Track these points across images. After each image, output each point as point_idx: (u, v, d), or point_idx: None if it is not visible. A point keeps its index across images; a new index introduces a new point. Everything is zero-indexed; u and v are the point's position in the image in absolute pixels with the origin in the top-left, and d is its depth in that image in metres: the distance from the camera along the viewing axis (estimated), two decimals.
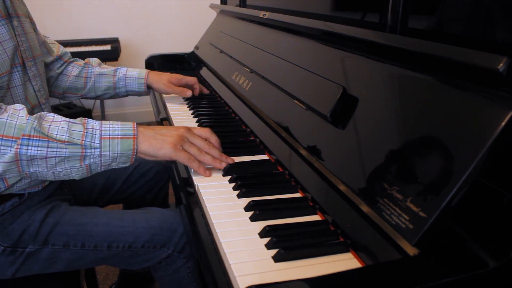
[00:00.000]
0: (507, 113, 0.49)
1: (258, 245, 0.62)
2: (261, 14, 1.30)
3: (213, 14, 1.96)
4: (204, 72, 1.65)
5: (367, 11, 0.91)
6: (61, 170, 0.77)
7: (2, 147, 0.71)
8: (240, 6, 1.76)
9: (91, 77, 1.25)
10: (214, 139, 0.89)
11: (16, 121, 0.73)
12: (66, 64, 1.24)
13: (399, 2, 0.77)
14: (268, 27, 1.28)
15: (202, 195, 0.76)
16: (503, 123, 0.49)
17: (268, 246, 0.61)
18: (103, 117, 3.11)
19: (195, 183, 0.81)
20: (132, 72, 1.29)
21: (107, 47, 2.93)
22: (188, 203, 0.79)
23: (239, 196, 0.76)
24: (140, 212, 1.00)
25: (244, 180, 0.79)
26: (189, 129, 0.87)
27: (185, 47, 2.07)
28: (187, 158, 0.82)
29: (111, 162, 0.80)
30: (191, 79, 1.36)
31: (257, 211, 0.69)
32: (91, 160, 0.77)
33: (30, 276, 0.95)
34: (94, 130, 0.78)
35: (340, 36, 0.88)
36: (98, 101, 3.16)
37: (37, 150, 0.73)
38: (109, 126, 0.79)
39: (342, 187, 0.67)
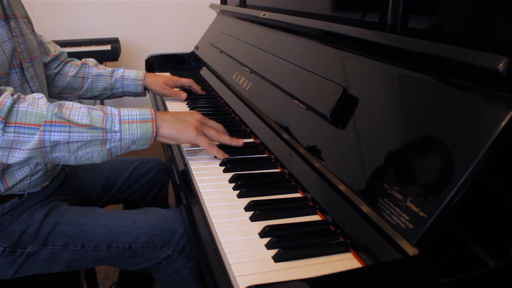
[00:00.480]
0: (507, 113, 0.49)
1: (258, 245, 0.62)
2: (261, 14, 1.30)
3: (213, 14, 1.96)
4: (204, 72, 1.65)
5: (367, 11, 0.91)
6: (83, 154, 0.79)
7: (25, 135, 0.73)
8: (240, 6, 1.76)
9: (88, 78, 1.26)
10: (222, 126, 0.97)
11: (37, 110, 0.75)
12: (63, 64, 1.24)
13: (399, 2, 0.77)
14: (268, 27, 1.28)
15: (202, 195, 0.76)
16: (503, 123, 0.49)
17: (268, 246, 0.61)
18: None
19: (196, 183, 0.81)
20: (129, 73, 1.29)
21: (107, 47, 2.93)
22: (188, 203, 0.79)
23: (239, 196, 0.76)
24: (140, 212, 1.00)
25: (244, 180, 0.79)
26: (200, 114, 0.92)
27: (185, 47, 2.07)
28: (207, 143, 0.88)
29: (131, 145, 0.82)
30: (187, 81, 1.37)
31: (257, 211, 0.69)
32: (112, 144, 0.80)
33: (30, 276, 0.95)
34: (113, 115, 0.81)
35: (340, 36, 0.88)
36: (98, 101, 3.16)
37: (60, 135, 0.75)
38: (127, 112, 0.82)
39: (342, 187, 0.67)
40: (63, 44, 2.92)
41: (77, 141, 0.77)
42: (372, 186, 0.61)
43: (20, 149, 0.74)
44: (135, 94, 1.32)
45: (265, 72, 1.10)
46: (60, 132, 0.75)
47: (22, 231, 0.91)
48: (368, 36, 0.78)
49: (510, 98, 0.50)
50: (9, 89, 0.77)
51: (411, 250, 0.51)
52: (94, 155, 0.80)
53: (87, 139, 0.77)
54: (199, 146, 0.91)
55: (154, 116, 0.83)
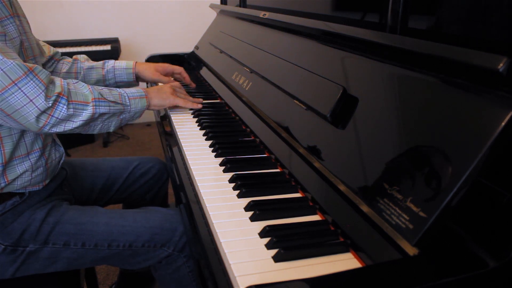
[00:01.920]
0: (507, 113, 0.49)
1: (258, 245, 0.62)
2: (261, 14, 1.30)
3: (213, 14, 1.96)
4: (204, 72, 1.65)
5: (367, 11, 0.91)
6: (107, 122, 0.99)
7: (78, 110, 0.91)
8: (240, 6, 1.76)
9: (80, 72, 1.27)
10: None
11: (81, 90, 0.94)
12: (56, 62, 1.26)
13: (399, 2, 0.77)
14: (268, 27, 1.28)
15: (202, 195, 0.76)
16: (503, 123, 0.49)
17: (268, 246, 0.61)
18: None
19: (196, 183, 0.81)
20: (120, 63, 1.32)
21: (107, 47, 2.93)
22: (188, 203, 0.79)
23: (239, 196, 0.76)
24: (141, 211, 1.01)
25: (244, 180, 0.79)
26: (170, 84, 1.20)
27: (185, 47, 2.07)
28: (183, 101, 1.18)
29: (134, 115, 1.04)
30: (177, 68, 1.40)
31: (257, 211, 0.69)
32: (125, 115, 1.02)
33: (30, 275, 0.96)
34: (123, 93, 1.03)
35: (340, 36, 0.88)
36: None
37: (104, 109, 0.96)
38: (129, 91, 1.05)
39: (342, 187, 0.67)
40: (63, 44, 2.93)
41: (110, 113, 0.98)
42: (372, 186, 0.61)
43: (74, 121, 0.91)
44: (128, 84, 1.34)
45: (265, 72, 1.10)
46: (104, 106, 0.95)
47: (23, 230, 0.91)
48: (368, 36, 0.78)
49: (510, 98, 0.50)
50: (59, 78, 0.93)
51: (411, 250, 0.51)
52: (112, 124, 1.00)
53: (116, 111, 0.99)
54: (179, 108, 1.22)
55: (146, 93, 1.07)
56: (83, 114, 0.92)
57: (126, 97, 1.02)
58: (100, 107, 0.95)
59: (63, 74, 1.25)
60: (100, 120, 0.97)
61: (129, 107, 1.02)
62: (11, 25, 0.88)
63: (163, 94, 1.13)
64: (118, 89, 1.03)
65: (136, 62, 1.34)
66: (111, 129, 1.02)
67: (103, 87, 1.00)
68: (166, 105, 1.15)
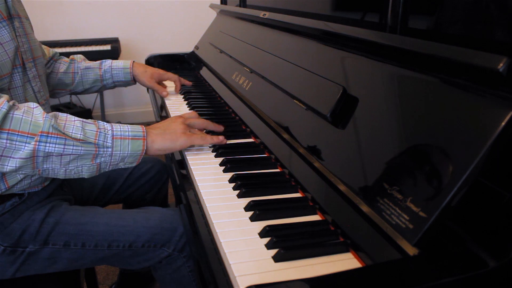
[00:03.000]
0: (507, 113, 0.49)
1: (258, 245, 0.62)
2: (261, 14, 1.30)
3: (213, 14, 1.96)
4: (204, 72, 1.65)
5: (367, 11, 0.91)
6: (73, 167, 0.79)
7: (17, 143, 0.73)
8: (240, 6, 1.76)
9: (78, 72, 1.28)
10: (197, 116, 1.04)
11: (31, 118, 0.75)
12: (54, 62, 1.27)
13: (399, 2, 0.77)
14: (268, 27, 1.28)
15: (202, 195, 0.76)
16: (503, 123, 0.49)
17: (268, 246, 0.61)
18: (103, 116, 3.12)
19: (196, 183, 0.81)
20: (117, 63, 1.32)
21: (107, 47, 2.93)
22: (188, 203, 0.79)
23: (239, 196, 0.76)
24: (140, 211, 1.01)
25: (244, 180, 0.79)
26: (182, 117, 0.97)
27: (185, 47, 2.07)
28: (200, 138, 0.93)
29: (119, 162, 0.83)
30: (171, 77, 1.40)
31: (257, 211, 0.69)
32: (102, 158, 0.80)
33: (30, 276, 0.95)
34: (106, 130, 0.81)
35: (340, 36, 0.88)
36: (98, 101, 3.16)
37: (55, 147, 0.75)
38: (119, 127, 0.83)
39: (342, 187, 0.67)
40: (63, 44, 2.93)
41: (70, 154, 0.77)
42: (372, 186, 0.61)
43: (11, 157, 0.74)
44: (126, 83, 1.34)
45: (265, 72, 1.10)
46: (55, 144, 0.75)
47: (23, 231, 0.91)
48: (368, 36, 0.78)
49: (510, 98, 0.50)
50: (5, 96, 0.76)
51: (411, 250, 0.51)
52: (84, 169, 0.80)
53: (80, 152, 0.78)
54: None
55: (145, 134, 0.85)
56: (24, 149, 0.73)
57: (109, 136, 0.80)
58: (48, 144, 0.74)
59: (61, 74, 1.26)
60: (56, 162, 0.77)
61: (108, 150, 0.80)
62: (3, 28, 0.86)
63: (172, 135, 0.89)
64: (103, 123, 0.83)
65: (133, 61, 1.34)
66: (85, 175, 0.82)
67: (76, 118, 0.81)
68: (178, 148, 0.91)
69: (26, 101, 0.93)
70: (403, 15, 0.77)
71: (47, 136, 0.74)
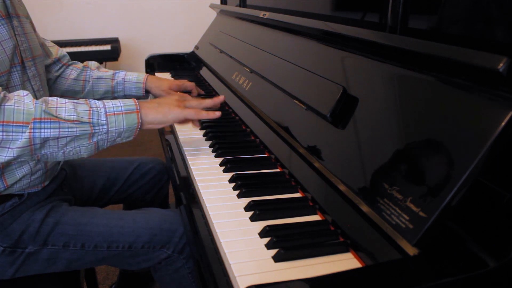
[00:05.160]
0: (507, 113, 0.49)
1: (258, 245, 0.62)
2: (261, 14, 1.29)
3: (213, 14, 1.96)
4: (204, 72, 1.65)
5: (367, 11, 0.91)
6: (71, 149, 0.79)
7: (13, 134, 0.73)
8: (240, 6, 1.76)
9: (89, 81, 1.23)
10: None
11: (23, 107, 0.74)
12: (64, 66, 1.22)
13: (399, 2, 0.77)
14: (268, 27, 1.28)
15: (202, 195, 0.76)
16: (503, 123, 0.49)
17: (268, 246, 0.61)
18: None
19: (196, 183, 0.81)
20: (131, 76, 1.26)
21: (107, 47, 2.93)
22: (188, 203, 0.79)
23: (239, 196, 0.76)
24: (140, 212, 1.00)
25: (244, 180, 0.79)
26: (180, 94, 0.96)
27: (185, 47, 2.07)
28: (194, 112, 0.91)
29: (116, 138, 0.83)
30: (189, 85, 1.33)
31: (257, 211, 0.69)
32: (99, 136, 0.80)
33: (30, 276, 0.95)
34: (99, 108, 0.81)
35: (340, 36, 0.88)
36: None
37: (50, 132, 0.75)
38: (111, 104, 0.82)
39: (342, 187, 0.67)
40: (63, 44, 2.93)
41: (66, 136, 0.77)
42: (372, 186, 0.61)
43: (9, 148, 0.74)
44: (137, 98, 1.30)
45: (265, 72, 1.10)
46: (50, 128, 0.75)
47: (22, 231, 0.91)
48: (368, 36, 0.78)
49: (510, 98, 0.50)
50: None
51: (411, 250, 0.51)
52: (82, 149, 0.80)
53: (76, 133, 0.77)
54: (188, 123, 0.96)
55: (138, 107, 0.84)
56: (21, 139, 0.73)
57: (102, 113, 0.80)
58: (42, 130, 0.74)
59: (71, 81, 1.21)
60: (53, 146, 0.77)
61: (104, 127, 0.80)
62: (1, 26, 0.86)
63: (165, 107, 0.88)
64: (95, 101, 0.82)
65: (148, 75, 1.28)
66: (84, 155, 0.82)
67: (67, 100, 0.80)
68: (170, 121, 0.89)
69: None
70: (403, 15, 0.77)
71: (40, 122, 0.74)
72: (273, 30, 1.24)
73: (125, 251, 0.95)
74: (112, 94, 1.26)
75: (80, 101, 0.82)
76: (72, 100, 0.80)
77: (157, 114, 0.87)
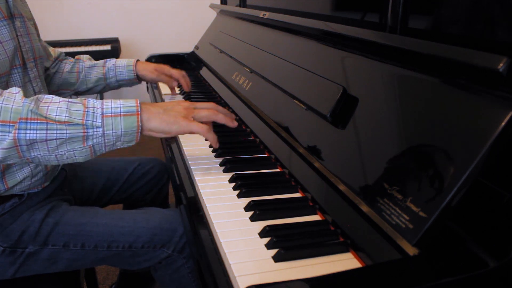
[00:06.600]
0: (507, 113, 0.49)
1: (258, 245, 0.62)
2: (261, 14, 1.30)
3: (213, 14, 1.96)
4: (204, 72, 1.65)
5: (367, 11, 0.91)
6: (63, 152, 0.73)
7: (0, 133, 0.68)
8: (240, 6, 1.76)
9: (82, 71, 1.27)
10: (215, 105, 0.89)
11: (12, 105, 0.69)
12: (59, 62, 1.27)
13: (399, 2, 0.77)
14: (268, 27, 1.28)
15: (202, 195, 0.76)
16: (503, 123, 0.49)
17: (268, 246, 0.61)
18: None
19: (196, 183, 0.81)
20: (121, 61, 1.31)
21: (107, 47, 2.93)
22: (188, 203, 0.79)
23: (239, 196, 0.76)
24: (140, 212, 1.00)
25: (244, 180, 0.79)
26: (191, 103, 0.87)
27: (185, 47, 2.07)
28: (201, 128, 0.81)
29: (115, 142, 0.76)
30: (175, 73, 1.35)
31: (257, 211, 0.69)
32: (94, 140, 0.73)
33: (30, 276, 0.95)
34: (95, 108, 0.74)
35: (340, 36, 0.88)
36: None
37: (36, 134, 0.69)
38: (110, 104, 0.75)
39: (342, 187, 0.67)
40: (63, 44, 2.93)
41: (55, 139, 0.71)
42: (372, 186, 0.61)
43: None
44: (130, 82, 1.33)
45: (265, 72, 1.10)
46: (36, 130, 0.69)
47: (22, 231, 0.91)
48: (368, 36, 0.78)
49: (510, 98, 0.50)
50: None
51: (411, 250, 0.51)
52: (76, 152, 0.74)
53: (66, 136, 0.71)
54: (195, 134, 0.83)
55: (139, 108, 0.76)
56: (7, 139, 0.68)
57: (98, 114, 0.73)
58: (28, 131, 0.68)
59: (66, 73, 1.25)
60: (43, 149, 0.71)
61: (99, 130, 0.73)
62: (3, 27, 0.86)
63: (171, 116, 0.79)
64: (91, 101, 0.75)
65: (137, 60, 1.33)
66: (80, 160, 0.75)
67: (62, 99, 0.74)
68: (173, 133, 0.80)
69: None
70: (403, 15, 0.77)
71: (26, 122, 0.68)
72: (273, 30, 1.24)
73: (125, 251, 0.95)
74: (104, 81, 1.29)
75: (77, 100, 0.76)
76: (68, 99, 0.74)
77: (161, 122, 0.78)
